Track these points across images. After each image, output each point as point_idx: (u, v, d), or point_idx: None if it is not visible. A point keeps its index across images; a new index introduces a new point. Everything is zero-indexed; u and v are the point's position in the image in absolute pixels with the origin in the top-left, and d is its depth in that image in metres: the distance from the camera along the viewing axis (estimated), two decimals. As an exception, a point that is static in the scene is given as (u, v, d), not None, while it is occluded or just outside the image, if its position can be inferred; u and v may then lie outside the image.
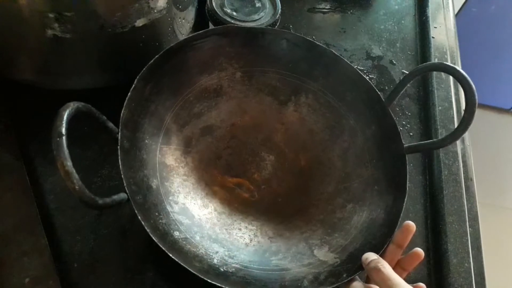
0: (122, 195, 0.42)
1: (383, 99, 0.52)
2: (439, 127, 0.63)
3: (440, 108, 0.65)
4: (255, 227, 0.52)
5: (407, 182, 0.47)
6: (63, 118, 0.37)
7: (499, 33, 1.45)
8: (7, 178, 0.49)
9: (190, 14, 0.59)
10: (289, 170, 0.56)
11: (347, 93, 0.55)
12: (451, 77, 0.69)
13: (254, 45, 0.55)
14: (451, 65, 0.48)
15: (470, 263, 0.53)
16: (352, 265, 0.45)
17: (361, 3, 0.76)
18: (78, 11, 0.47)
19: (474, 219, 0.57)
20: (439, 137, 0.61)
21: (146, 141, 0.49)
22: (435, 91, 0.66)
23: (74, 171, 0.36)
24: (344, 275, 0.43)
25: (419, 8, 0.77)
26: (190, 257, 0.44)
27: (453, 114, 0.65)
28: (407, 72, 0.68)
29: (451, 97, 0.67)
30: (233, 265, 0.46)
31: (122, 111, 0.46)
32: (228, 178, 0.55)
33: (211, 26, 0.59)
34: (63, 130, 0.36)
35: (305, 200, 0.53)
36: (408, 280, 0.51)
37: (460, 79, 0.47)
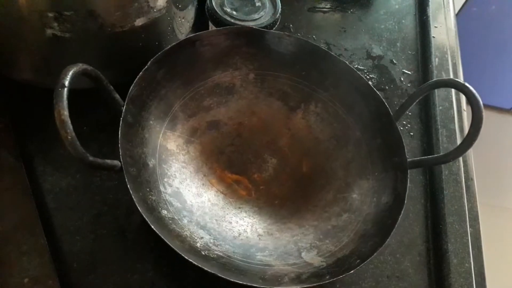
0: (116, 162, 0.43)
1: (392, 114, 0.53)
2: (439, 127, 0.63)
3: (440, 107, 0.65)
4: (246, 223, 0.52)
5: (406, 196, 0.47)
6: (68, 72, 0.39)
7: (499, 33, 1.45)
8: (7, 177, 0.49)
9: (189, 13, 0.59)
10: (290, 175, 0.56)
11: (356, 105, 0.55)
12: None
13: (269, 49, 0.56)
14: (461, 81, 0.48)
15: (470, 263, 0.53)
16: (338, 269, 0.45)
17: (361, 2, 0.76)
18: (77, 10, 0.47)
19: (475, 219, 0.57)
20: (439, 137, 0.62)
21: (151, 122, 0.50)
22: (436, 90, 0.67)
23: (69, 121, 0.37)
24: (327, 277, 0.44)
25: (419, 7, 0.77)
26: (173, 235, 0.45)
27: (453, 113, 0.66)
28: (408, 72, 0.69)
29: (451, 97, 0.67)
30: (216, 252, 0.46)
31: (131, 88, 0.47)
32: (228, 173, 0.55)
33: (210, 26, 0.60)
34: (66, 83, 0.38)
35: (302, 205, 0.54)
36: (407, 279, 0.51)
37: (468, 95, 0.47)
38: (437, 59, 0.70)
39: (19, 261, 0.45)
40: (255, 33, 0.55)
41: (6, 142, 0.51)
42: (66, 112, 0.37)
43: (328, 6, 0.74)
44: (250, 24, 0.58)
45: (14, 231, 0.47)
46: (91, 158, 0.39)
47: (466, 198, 0.58)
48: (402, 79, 0.68)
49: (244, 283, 0.41)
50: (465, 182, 0.60)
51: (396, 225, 0.45)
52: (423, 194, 0.58)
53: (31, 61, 0.52)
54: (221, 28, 0.55)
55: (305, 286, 0.43)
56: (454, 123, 0.65)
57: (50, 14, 0.46)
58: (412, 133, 0.63)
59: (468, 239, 0.55)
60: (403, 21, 0.76)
